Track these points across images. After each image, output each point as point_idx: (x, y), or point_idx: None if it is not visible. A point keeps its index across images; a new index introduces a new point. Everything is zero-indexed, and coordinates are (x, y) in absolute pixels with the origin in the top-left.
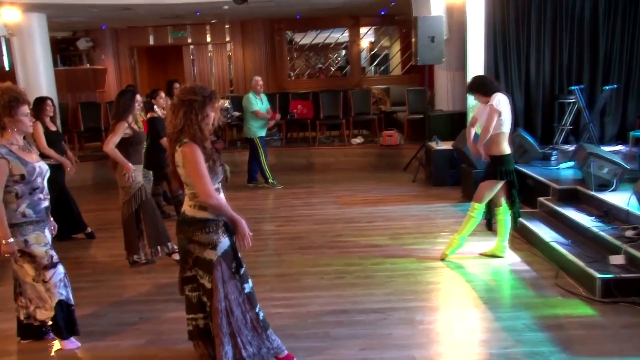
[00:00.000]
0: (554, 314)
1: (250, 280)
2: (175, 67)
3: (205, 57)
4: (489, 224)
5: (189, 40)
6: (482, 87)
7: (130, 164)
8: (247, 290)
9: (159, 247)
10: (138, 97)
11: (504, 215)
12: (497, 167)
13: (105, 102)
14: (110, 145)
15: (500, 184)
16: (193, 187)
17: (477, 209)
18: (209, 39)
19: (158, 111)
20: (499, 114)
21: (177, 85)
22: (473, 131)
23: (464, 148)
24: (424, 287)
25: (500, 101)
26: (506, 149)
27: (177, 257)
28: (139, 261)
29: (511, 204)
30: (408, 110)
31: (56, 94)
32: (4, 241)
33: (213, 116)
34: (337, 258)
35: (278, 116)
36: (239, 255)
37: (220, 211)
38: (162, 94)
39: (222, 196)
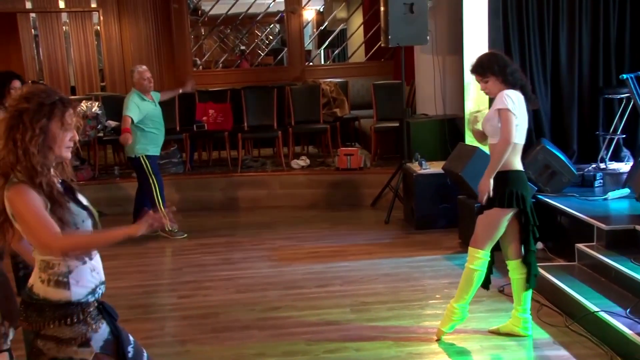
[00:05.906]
0: None
1: None
2: (4, 48)
3: (57, 32)
4: (486, 281)
5: (28, 5)
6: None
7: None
8: None
9: (12, 330)
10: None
11: (518, 272)
12: (501, 188)
13: None
14: None
15: (508, 216)
16: (32, 243)
17: (480, 258)
18: (62, 5)
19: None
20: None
21: (17, 83)
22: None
23: (461, 171)
24: None
25: (512, 99)
26: (516, 163)
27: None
28: None
29: (525, 252)
30: (376, 115)
31: None
32: None
33: (63, 136)
34: (272, 344)
35: None
36: (131, 343)
37: (85, 250)
38: (18, 84)
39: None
